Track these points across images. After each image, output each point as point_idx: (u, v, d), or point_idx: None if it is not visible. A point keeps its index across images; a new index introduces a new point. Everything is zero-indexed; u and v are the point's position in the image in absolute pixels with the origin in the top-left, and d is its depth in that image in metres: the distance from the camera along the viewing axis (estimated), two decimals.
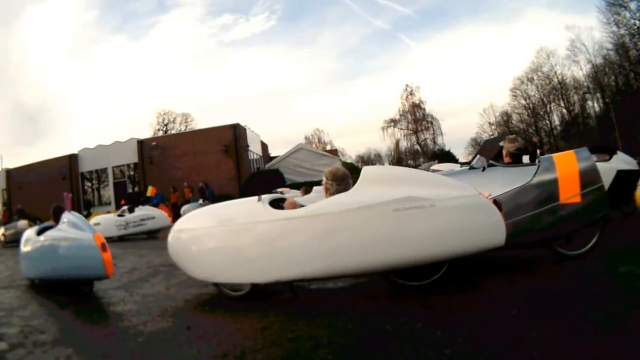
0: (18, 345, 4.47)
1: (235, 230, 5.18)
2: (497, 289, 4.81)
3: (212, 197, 22.57)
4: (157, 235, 16.25)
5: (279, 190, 6.15)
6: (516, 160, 6.13)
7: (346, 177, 5.05)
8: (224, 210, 5.60)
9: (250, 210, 5.21)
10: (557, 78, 53.09)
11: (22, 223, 20.02)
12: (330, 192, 4.99)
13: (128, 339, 4.38)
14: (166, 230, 16.06)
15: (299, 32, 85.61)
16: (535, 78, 54.95)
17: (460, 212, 4.47)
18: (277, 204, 5.29)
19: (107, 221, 16.39)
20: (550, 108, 55.08)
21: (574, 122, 51.78)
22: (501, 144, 6.31)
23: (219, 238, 5.30)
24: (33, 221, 20.18)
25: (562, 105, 53.95)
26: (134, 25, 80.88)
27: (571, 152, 5.33)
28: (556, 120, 55.34)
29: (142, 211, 16.71)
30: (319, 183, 5.23)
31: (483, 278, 5.29)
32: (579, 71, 51.10)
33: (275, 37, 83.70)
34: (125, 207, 17.63)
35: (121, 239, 16.08)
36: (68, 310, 5.89)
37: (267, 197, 5.33)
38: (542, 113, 55.70)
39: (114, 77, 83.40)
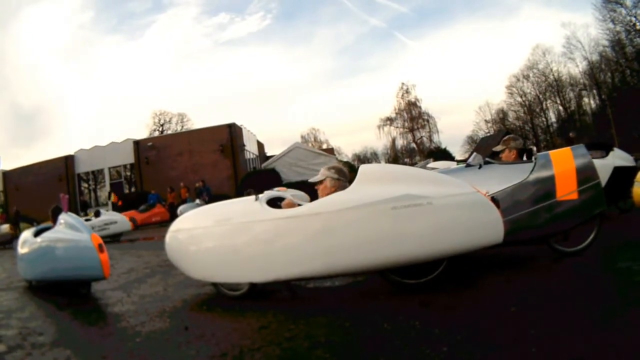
0: (16, 347, 4.45)
1: (232, 229, 5.17)
2: (495, 286, 4.81)
3: (210, 195, 22.52)
4: (120, 239, 17.17)
5: (276, 189, 6.20)
6: (521, 158, 6.13)
7: (347, 174, 5.08)
8: (221, 210, 5.59)
9: (247, 209, 5.20)
10: (553, 75, 53.34)
11: (4, 227, 20.82)
12: (335, 188, 4.99)
13: (126, 339, 4.37)
14: (127, 233, 17.58)
15: (294, 30, 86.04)
16: (531, 75, 55.19)
17: (458, 210, 4.49)
18: (275, 203, 5.28)
19: None
20: (546, 105, 55.25)
21: (569, 119, 51.83)
22: (497, 148, 6.29)
23: (217, 237, 5.29)
24: (30, 222, 20.51)
25: (558, 102, 54.07)
26: (129, 25, 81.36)
27: (567, 148, 5.34)
28: (552, 117, 55.52)
29: (105, 216, 17.72)
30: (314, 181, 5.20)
31: (481, 275, 5.29)
32: (575, 68, 51.38)
33: (270, 36, 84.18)
34: (92, 211, 18.98)
35: None
36: (66, 312, 5.88)
37: (264, 196, 5.31)
38: (537, 110, 55.86)
39: (110, 77, 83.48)
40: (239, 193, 20.92)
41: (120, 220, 17.74)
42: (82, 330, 5.09)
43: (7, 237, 20.32)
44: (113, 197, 28.64)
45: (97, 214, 17.59)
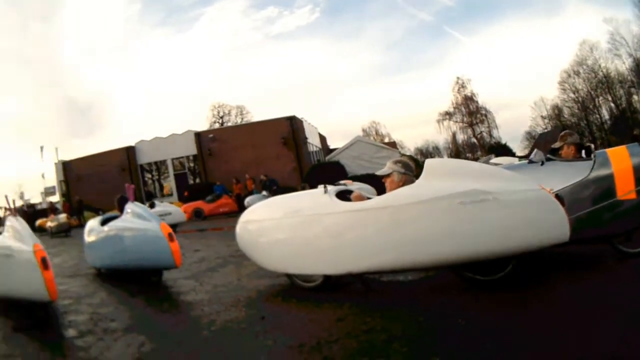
0: (87, 332, 4.63)
1: (303, 221, 5.25)
2: (563, 285, 4.70)
3: (278, 187, 22.52)
4: (176, 230, 16.84)
5: (342, 182, 6.21)
6: (580, 153, 6.05)
7: (413, 168, 5.11)
8: (290, 202, 5.70)
9: (317, 201, 5.25)
10: (602, 71, 51.47)
11: (62, 216, 22.33)
12: (403, 182, 4.97)
13: (201, 327, 4.48)
14: (184, 225, 17.29)
15: (342, 24, 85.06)
16: (581, 71, 53.06)
17: (525, 206, 4.39)
18: (343, 196, 5.32)
19: None
20: (599, 102, 53.51)
21: (622, 116, 50.13)
22: (555, 145, 6.21)
23: (287, 229, 5.37)
24: (95, 212, 21.27)
25: (609, 99, 52.35)
26: (177, 18, 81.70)
27: (623, 147, 5.23)
28: (605, 114, 53.75)
29: (160, 207, 17.33)
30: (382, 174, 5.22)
31: (550, 274, 5.18)
32: (622, 64, 49.56)
33: (319, 30, 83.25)
34: (147, 203, 18.45)
35: None
36: (137, 298, 6.06)
37: (332, 189, 5.35)
38: (591, 107, 54.09)
39: (159, 70, 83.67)
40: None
41: (174, 212, 17.42)
42: (155, 317, 5.24)
43: (66, 226, 21.19)
44: (165, 189, 29.01)
45: (152, 206, 17.25)
